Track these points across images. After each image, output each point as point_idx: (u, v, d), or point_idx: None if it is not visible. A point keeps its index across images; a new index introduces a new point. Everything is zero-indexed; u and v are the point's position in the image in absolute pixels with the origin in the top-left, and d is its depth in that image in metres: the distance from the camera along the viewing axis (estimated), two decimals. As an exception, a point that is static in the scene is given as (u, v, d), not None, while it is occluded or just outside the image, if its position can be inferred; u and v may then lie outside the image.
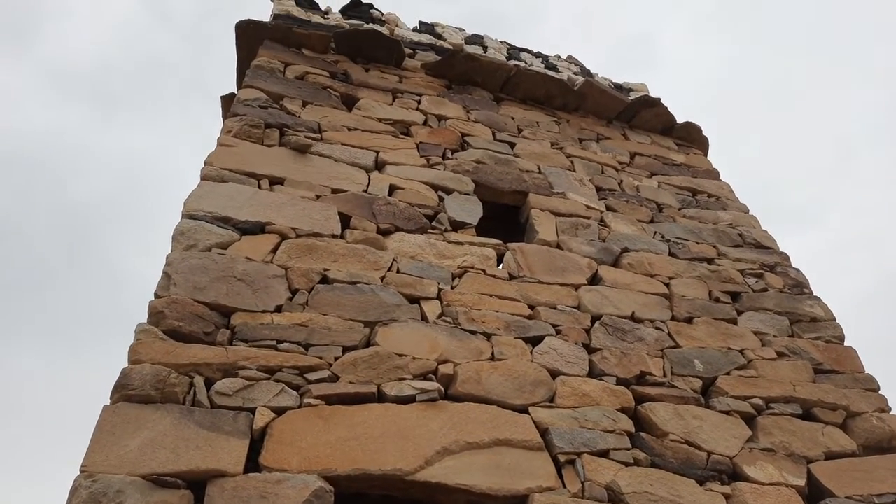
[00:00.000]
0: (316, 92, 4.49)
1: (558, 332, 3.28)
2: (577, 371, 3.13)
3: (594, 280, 3.80)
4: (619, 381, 3.15)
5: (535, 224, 4.05)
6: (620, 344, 3.36)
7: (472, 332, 3.10)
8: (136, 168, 20.22)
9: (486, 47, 6.13)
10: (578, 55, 6.90)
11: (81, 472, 2.09)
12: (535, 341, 3.20)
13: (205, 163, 3.50)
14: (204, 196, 3.25)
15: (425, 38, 5.88)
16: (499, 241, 3.75)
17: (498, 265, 3.66)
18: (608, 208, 4.49)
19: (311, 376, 2.63)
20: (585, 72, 6.46)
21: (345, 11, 5.93)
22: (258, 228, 3.22)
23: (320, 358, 2.71)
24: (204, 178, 3.40)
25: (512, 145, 4.77)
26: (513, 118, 5.14)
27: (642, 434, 2.94)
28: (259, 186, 3.49)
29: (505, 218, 4.28)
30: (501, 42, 6.41)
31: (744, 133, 23.45)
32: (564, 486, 2.58)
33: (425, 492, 2.46)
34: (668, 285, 3.92)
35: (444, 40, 5.99)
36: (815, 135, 24.09)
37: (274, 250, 3.15)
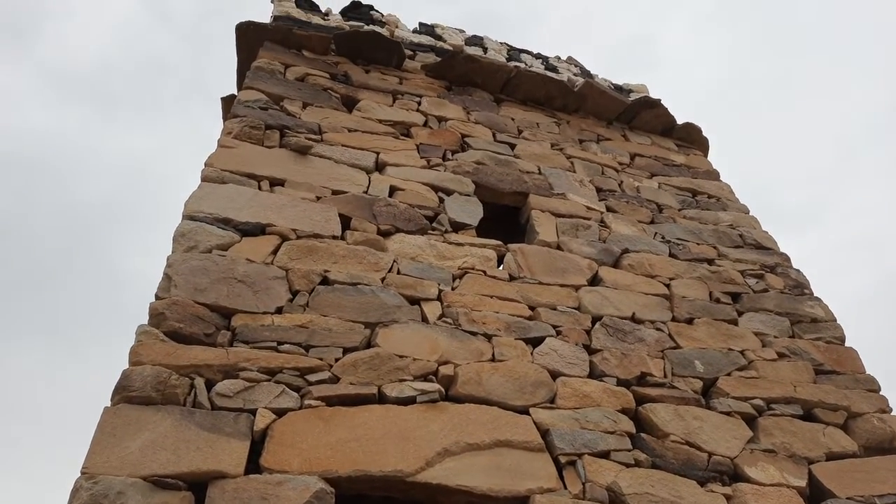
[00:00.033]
0: (316, 93, 4.49)
1: (559, 333, 3.28)
2: (578, 372, 3.13)
3: (594, 281, 3.80)
4: (620, 382, 3.15)
5: (535, 225, 4.05)
6: (621, 345, 3.36)
7: (473, 333, 3.10)
8: (136, 168, 20.24)
9: (487, 48, 6.13)
10: (578, 56, 6.90)
11: (82, 473, 2.09)
12: (535, 342, 3.20)
13: (205, 164, 3.50)
14: (204, 197, 3.25)
15: (425, 40, 5.88)
16: (499, 242, 3.75)
17: (498, 266, 3.66)
18: (608, 209, 4.49)
19: (312, 377, 2.63)
20: (585, 73, 6.46)
21: (345, 13, 5.93)
22: (259, 230, 3.22)
23: (321, 359, 2.71)
24: (204, 179, 3.40)
25: (512, 146, 4.77)
26: (513, 119, 5.14)
27: (643, 435, 2.94)
28: (259, 188, 3.49)
29: (505, 219, 4.28)
30: (501, 43, 6.42)
31: (744, 133, 23.47)
32: (565, 488, 2.58)
33: (426, 493, 2.46)
34: (668, 286, 3.92)
35: (445, 42, 6.00)
36: (815, 135, 24.11)
37: (274, 252, 3.15)
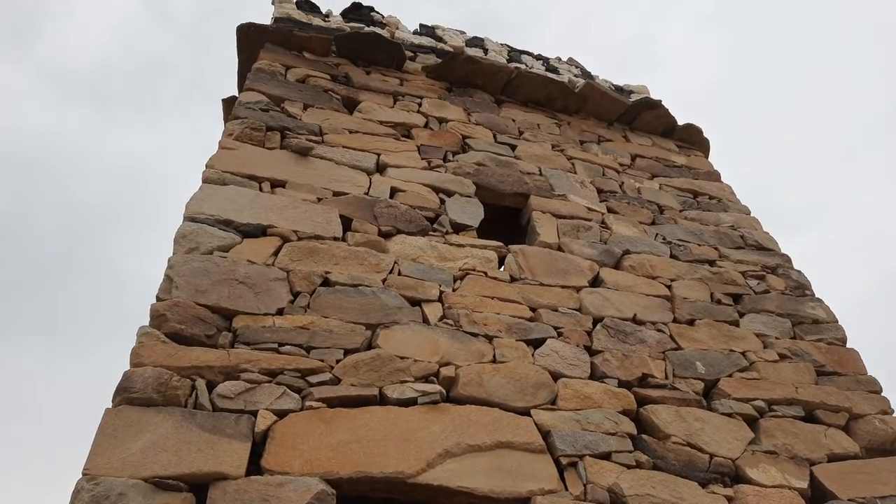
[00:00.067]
0: (317, 95, 4.50)
1: (560, 335, 3.28)
2: (579, 373, 3.12)
3: (595, 282, 3.80)
4: (621, 384, 3.15)
5: (536, 226, 4.05)
6: (622, 346, 3.36)
7: (474, 335, 3.10)
8: (137, 168, 20.25)
9: (487, 50, 6.14)
10: (579, 57, 6.89)
11: (83, 474, 2.09)
12: (536, 343, 3.19)
13: (206, 165, 3.50)
14: (205, 199, 3.26)
15: (426, 41, 5.89)
16: (500, 244, 3.75)
17: (499, 267, 3.66)
18: (609, 210, 4.49)
19: (313, 379, 2.63)
20: (586, 74, 6.46)
21: (346, 14, 5.94)
22: (260, 231, 3.22)
23: (322, 360, 2.71)
24: (205, 180, 3.41)
25: (513, 147, 4.77)
26: (514, 120, 5.14)
27: (644, 436, 2.93)
28: (260, 189, 3.49)
29: (506, 220, 4.28)
30: (502, 44, 6.42)
31: (744, 133, 23.48)
32: (566, 489, 2.58)
33: (427, 494, 2.46)
34: (669, 287, 3.92)
35: (445, 43, 6.00)
36: (815, 135, 24.11)
37: (275, 253, 3.15)
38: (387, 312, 3.04)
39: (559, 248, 3.93)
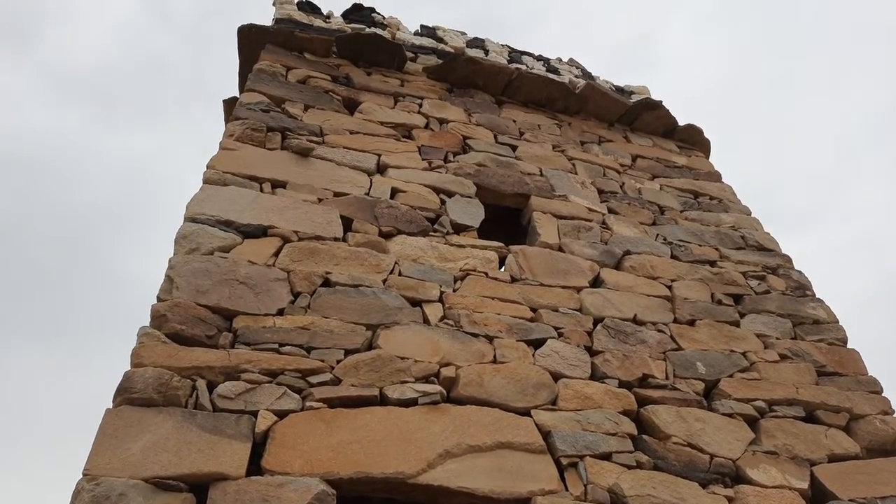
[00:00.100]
0: (318, 95, 4.50)
1: (560, 335, 3.28)
2: (580, 374, 3.12)
3: (596, 282, 3.80)
4: (622, 384, 3.15)
5: (536, 227, 4.05)
6: (622, 346, 3.36)
7: (474, 335, 3.10)
8: (137, 169, 20.26)
9: (488, 51, 6.14)
10: (579, 58, 6.89)
11: (84, 474, 2.10)
12: (537, 344, 3.19)
13: (207, 166, 3.51)
14: (206, 199, 3.26)
15: (427, 42, 5.89)
16: (500, 244, 3.75)
17: (500, 268, 3.66)
18: (610, 211, 4.49)
19: (314, 379, 2.63)
20: (587, 75, 6.47)
21: (346, 15, 5.94)
22: (260, 232, 3.23)
23: (322, 361, 2.71)
24: (206, 181, 3.41)
25: (513, 148, 4.77)
26: (514, 121, 5.14)
27: (645, 437, 2.93)
28: (261, 190, 3.50)
29: (506, 221, 4.28)
30: (503, 45, 6.42)
31: (744, 133, 23.47)
32: (567, 489, 2.58)
33: (427, 495, 2.46)
34: (670, 288, 3.92)
35: (446, 44, 6.00)
36: (815, 135, 24.10)
37: (276, 253, 3.15)
38: (387, 313, 3.04)
39: (560, 249, 3.93)
